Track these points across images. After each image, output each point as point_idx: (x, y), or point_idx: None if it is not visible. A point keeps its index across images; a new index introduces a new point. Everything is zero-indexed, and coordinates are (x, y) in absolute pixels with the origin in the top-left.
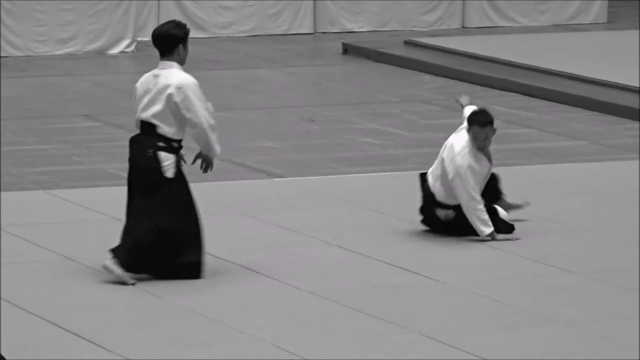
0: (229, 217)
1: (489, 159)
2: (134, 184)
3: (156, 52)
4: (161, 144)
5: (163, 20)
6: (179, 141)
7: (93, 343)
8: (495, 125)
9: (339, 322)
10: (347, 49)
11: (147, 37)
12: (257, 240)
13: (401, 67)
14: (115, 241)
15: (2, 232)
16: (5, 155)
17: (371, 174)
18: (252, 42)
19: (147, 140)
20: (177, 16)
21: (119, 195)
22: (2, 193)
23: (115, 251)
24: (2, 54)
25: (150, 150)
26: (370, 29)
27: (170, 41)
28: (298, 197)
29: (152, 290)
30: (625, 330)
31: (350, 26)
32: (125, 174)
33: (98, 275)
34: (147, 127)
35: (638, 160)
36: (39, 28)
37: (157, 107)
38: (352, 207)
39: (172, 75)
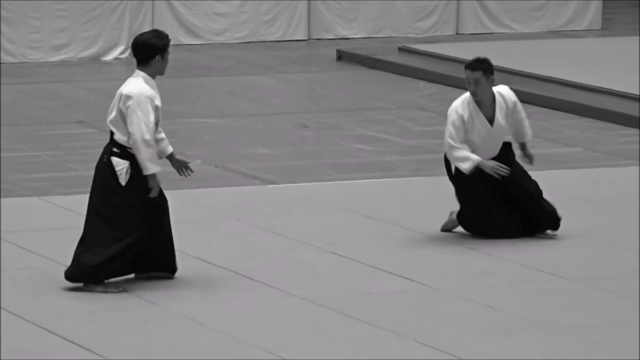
0: (223, 224)
1: (491, 121)
2: (93, 188)
3: None
4: (115, 149)
5: (158, 27)
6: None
7: (88, 350)
8: (493, 76)
9: (334, 329)
10: (341, 56)
11: None
12: (252, 247)
13: (395, 73)
14: None
15: None
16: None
17: (365, 180)
18: (246, 49)
19: (106, 147)
20: (172, 23)
21: None
22: None
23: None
24: None
25: (105, 156)
26: (365, 35)
27: (147, 51)
28: (292, 204)
29: (147, 296)
30: (621, 337)
31: (344, 33)
32: None
33: None
34: (110, 134)
35: (637, 167)
36: (33, 35)
37: (112, 114)
38: (347, 214)
39: (130, 84)
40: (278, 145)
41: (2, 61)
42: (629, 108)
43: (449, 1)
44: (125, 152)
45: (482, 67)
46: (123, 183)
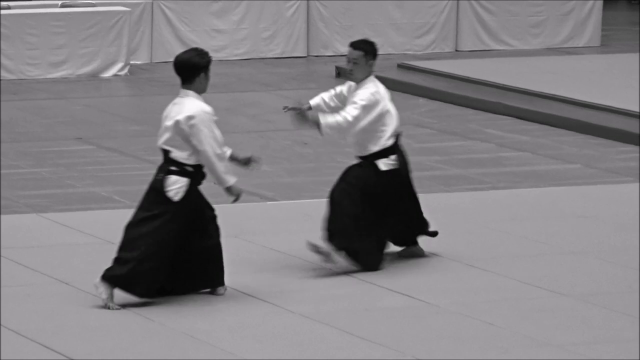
0: (222, 240)
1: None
2: (141, 204)
3: (150, 76)
4: (173, 167)
5: (157, 44)
6: (195, 166)
7: None
8: (373, 61)
9: (332, 346)
10: (340, 72)
11: (140, 61)
12: (250, 263)
13: (394, 90)
14: (107, 264)
15: None
16: None
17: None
18: (245, 66)
19: (161, 166)
20: (170, 39)
21: (112, 218)
22: None
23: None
24: None
25: (161, 174)
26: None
27: (191, 69)
28: (291, 220)
29: (144, 313)
30: (620, 354)
31: (343, 49)
32: (119, 197)
33: (90, 298)
34: (164, 153)
35: (636, 184)
36: (31, 51)
37: (166, 136)
38: None
39: (186, 104)
40: (277, 162)
41: (1, 78)
42: (628, 125)
43: (448, 18)
44: (184, 170)
45: (364, 49)
46: (176, 199)
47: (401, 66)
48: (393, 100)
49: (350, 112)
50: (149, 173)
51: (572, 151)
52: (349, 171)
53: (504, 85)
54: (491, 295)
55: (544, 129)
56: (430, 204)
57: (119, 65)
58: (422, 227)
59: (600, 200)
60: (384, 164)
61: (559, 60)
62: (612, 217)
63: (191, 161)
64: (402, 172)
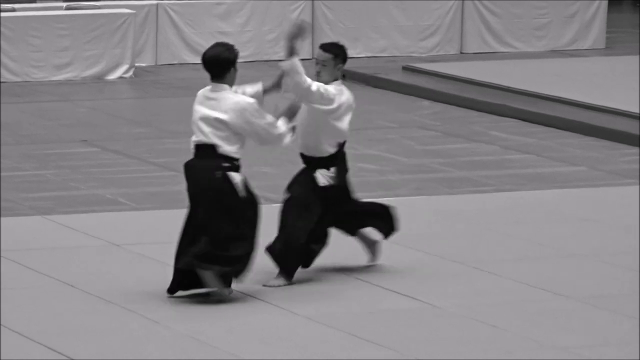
0: None
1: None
2: (200, 209)
3: (155, 78)
4: (226, 164)
5: (162, 46)
6: (239, 160)
7: None
8: (342, 65)
9: (336, 348)
10: (345, 75)
11: (145, 63)
12: (254, 265)
13: (399, 92)
14: (112, 267)
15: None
16: (2, 180)
17: (368, 199)
18: (249, 68)
19: (207, 163)
20: (175, 42)
21: (117, 220)
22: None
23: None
24: None
25: (218, 172)
26: (369, 54)
27: (222, 65)
28: None
29: (150, 315)
30: (623, 356)
31: (348, 52)
32: (123, 200)
33: (95, 300)
34: (205, 150)
35: (638, 186)
36: (35, 53)
37: (216, 130)
38: None
39: (226, 99)
40: (280, 164)
41: (5, 80)
42: (633, 127)
43: (453, 20)
44: (234, 165)
45: (334, 52)
46: (242, 194)
47: (406, 68)
48: (396, 102)
49: (315, 83)
50: (154, 175)
51: (576, 153)
52: (292, 186)
53: (508, 87)
54: (495, 298)
55: (548, 131)
56: (434, 207)
57: (124, 67)
58: (370, 221)
59: (604, 202)
60: (322, 178)
61: (563, 62)
62: (617, 219)
63: (239, 155)
64: (340, 185)
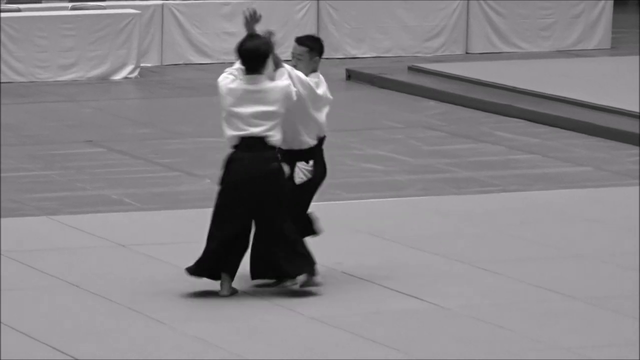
0: None
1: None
2: (256, 203)
3: (160, 78)
4: (278, 155)
5: (167, 47)
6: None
7: None
8: (317, 58)
9: (342, 349)
10: (350, 75)
11: (150, 63)
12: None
13: (405, 92)
14: (118, 267)
15: (4, 258)
16: (7, 181)
17: (374, 200)
18: None
19: (258, 155)
20: (181, 42)
21: (122, 221)
22: (3, 219)
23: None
24: (4, 80)
25: (274, 163)
26: (374, 55)
27: (260, 58)
28: None
29: (156, 316)
30: (625, 357)
31: (353, 52)
32: (129, 200)
33: (101, 300)
34: (254, 142)
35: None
36: (40, 54)
37: (268, 121)
38: (355, 233)
39: (271, 89)
40: None
41: (10, 80)
42: (638, 127)
43: (459, 21)
44: (279, 156)
45: (309, 45)
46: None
47: (411, 69)
48: (402, 102)
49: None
50: (159, 176)
51: (582, 154)
52: None
53: (514, 87)
54: (500, 298)
55: (554, 132)
56: (440, 207)
57: (129, 67)
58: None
59: (610, 202)
60: (300, 172)
61: (569, 62)
62: (622, 219)
63: (280, 144)
64: (314, 179)
